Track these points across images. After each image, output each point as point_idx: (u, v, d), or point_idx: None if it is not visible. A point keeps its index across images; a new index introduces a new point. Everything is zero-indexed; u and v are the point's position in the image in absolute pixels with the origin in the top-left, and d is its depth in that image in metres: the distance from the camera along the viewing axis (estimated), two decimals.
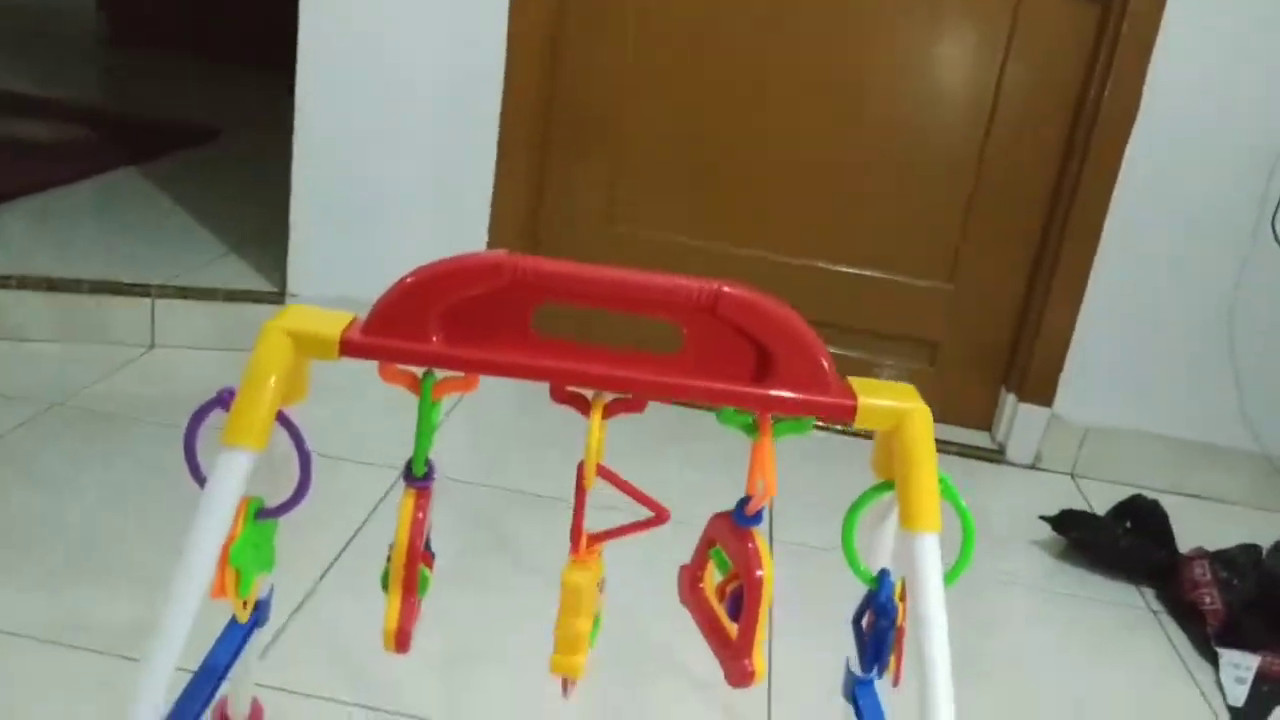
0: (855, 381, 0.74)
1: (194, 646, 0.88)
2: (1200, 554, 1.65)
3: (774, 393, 0.72)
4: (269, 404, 0.70)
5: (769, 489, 0.72)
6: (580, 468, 0.76)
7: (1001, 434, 2.12)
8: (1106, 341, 2.01)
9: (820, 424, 0.76)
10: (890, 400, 0.73)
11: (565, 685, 0.85)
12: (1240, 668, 1.46)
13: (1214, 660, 1.49)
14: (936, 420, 2.27)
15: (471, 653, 1.27)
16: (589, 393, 0.75)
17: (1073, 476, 2.09)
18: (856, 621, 0.84)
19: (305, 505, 1.57)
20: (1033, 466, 2.09)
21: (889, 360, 2.17)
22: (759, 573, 0.74)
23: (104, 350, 1.95)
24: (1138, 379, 2.02)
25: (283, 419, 0.73)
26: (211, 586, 0.74)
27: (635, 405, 0.75)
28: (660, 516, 0.75)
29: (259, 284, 2.09)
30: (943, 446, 2.10)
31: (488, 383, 0.75)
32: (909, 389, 0.75)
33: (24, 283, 1.93)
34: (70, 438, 1.63)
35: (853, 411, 0.72)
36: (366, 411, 1.81)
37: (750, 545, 0.75)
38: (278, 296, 2.05)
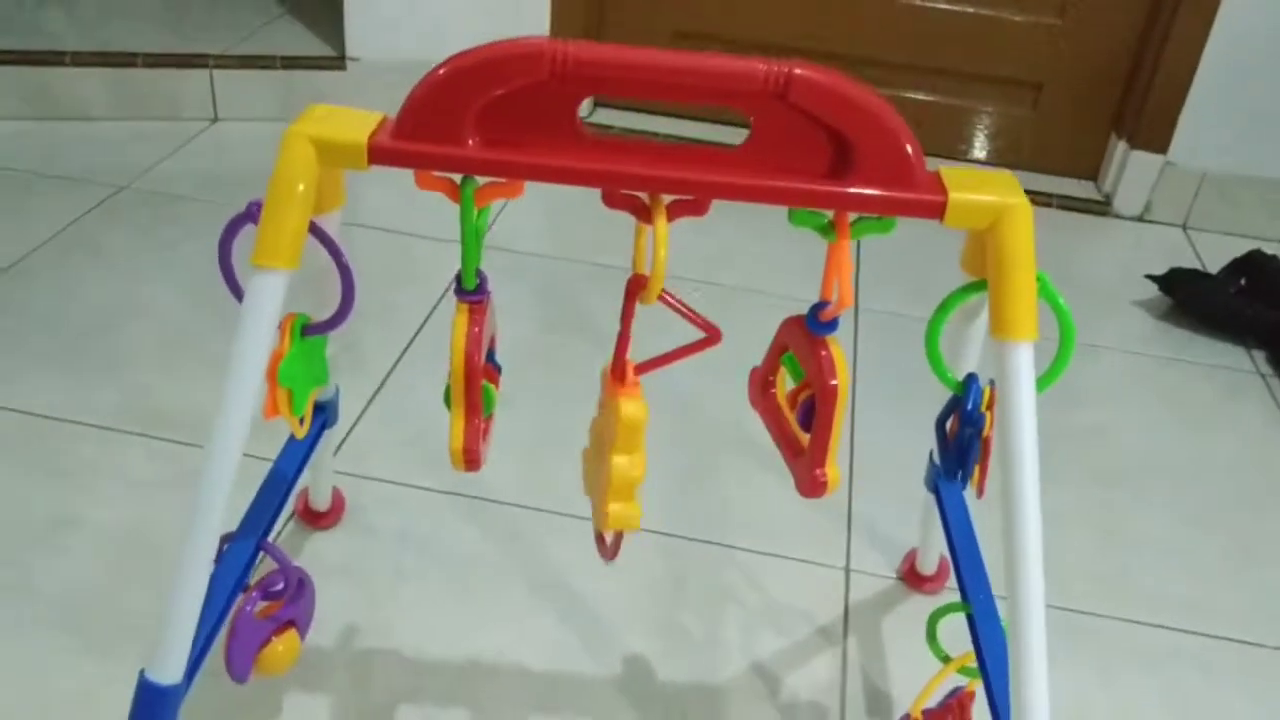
0: (946, 172, 0.66)
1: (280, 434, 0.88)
2: None
3: (853, 190, 0.64)
4: (297, 220, 0.64)
5: (844, 299, 0.65)
6: (630, 284, 0.70)
7: (1109, 184, 1.98)
8: (1233, 79, 1.82)
9: None
10: (986, 195, 0.64)
11: (608, 543, 0.77)
12: None
13: None
14: (1037, 170, 2.12)
15: (552, 436, 1.26)
16: (646, 195, 0.68)
17: (1185, 229, 1.96)
18: (940, 424, 0.78)
19: (381, 286, 1.54)
20: (1141, 218, 1.96)
21: (987, 106, 2.02)
22: (833, 382, 0.69)
23: (167, 127, 1.91)
24: (1265, 121, 1.85)
25: (316, 232, 0.68)
26: (264, 408, 0.71)
27: (697, 208, 0.67)
28: (712, 337, 0.69)
29: (317, 48, 2.00)
30: (1043, 199, 1.98)
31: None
32: (1009, 179, 0.66)
33: (78, 59, 1.87)
34: (139, 221, 1.62)
35: (942, 209, 0.64)
36: None
37: (824, 353, 0.69)
38: (337, 61, 1.96)
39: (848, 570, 1.13)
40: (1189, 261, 1.82)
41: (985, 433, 0.75)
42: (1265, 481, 1.34)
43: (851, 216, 0.66)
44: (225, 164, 1.82)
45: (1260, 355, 1.59)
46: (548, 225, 1.75)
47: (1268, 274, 1.64)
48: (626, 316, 0.70)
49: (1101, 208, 1.98)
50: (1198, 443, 1.40)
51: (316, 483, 1.09)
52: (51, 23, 2.00)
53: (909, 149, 0.64)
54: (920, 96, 2.02)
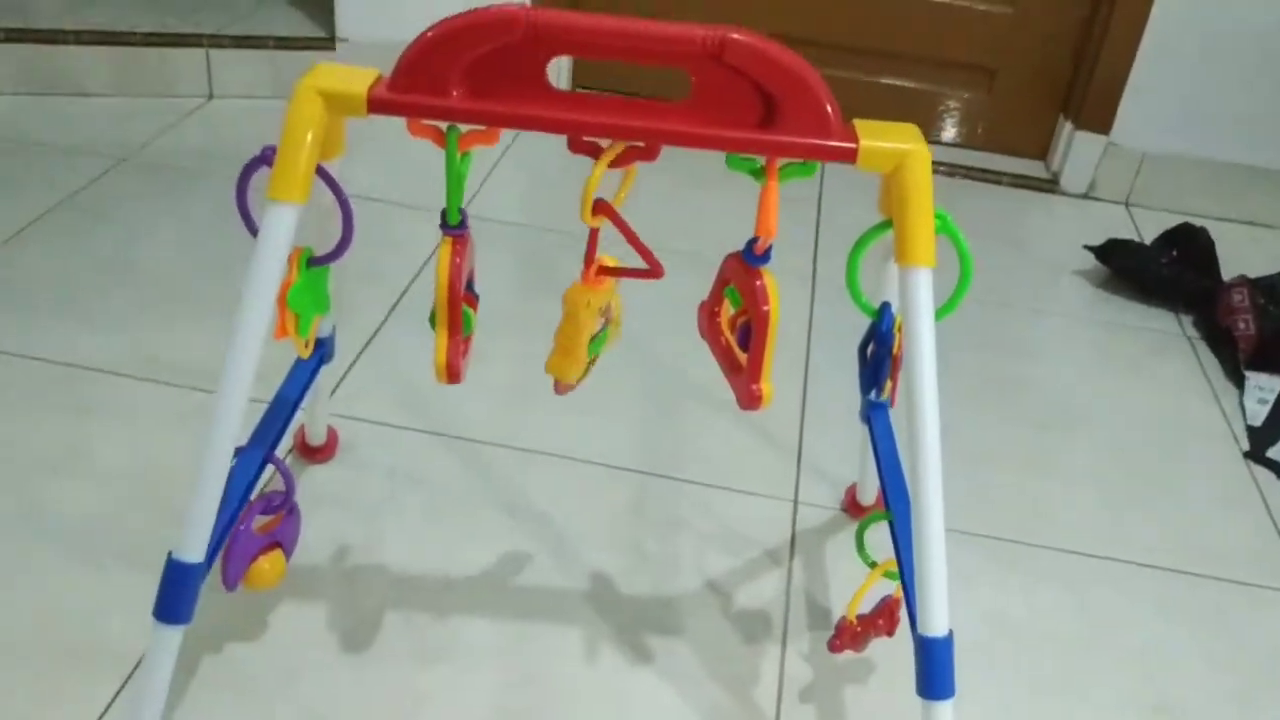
0: (860, 124, 0.77)
1: (274, 383, 0.98)
2: (1241, 281, 1.67)
3: (778, 138, 0.75)
4: (306, 160, 0.75)
5: (769, 231, 0.77)
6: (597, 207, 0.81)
7: (1056, 163, 2.10)
8: (1170, 65, 1.95)
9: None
10: (891, 142, 0.75)
11: (556, 385, 0.92)
12: (1265, 390, 1.51)
13: (1241, 384, 1.54)
14: (991, 150, 2.26)
15: (527, 385, 1.37)
16: (605, 142, 0.79)
17: (1127, 205, 2.08)
18: (862, 350, 0.90)
19: (369, 251, 1.65)
20: (1086, 196, 2.09)
21: (944, 89, 2.14)
22: (765, 308, 0.80)
23: (165, 103, 2.01)
24: (1200, 104, 1.97)
25: (322, 174, 0.79)
26: (274, 329, 0.82)
27: (647, 153, 0.78)
28: (654, 271, 0.81)
29: (309, 29, 2.10)
30: (995, 177, 2.10)
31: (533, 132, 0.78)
32: (911, 130, 0.77)
33: (80, 37, 1.96)
34: (142, 190, 1.72)
35: (854, 154, 0.75)
36: (423, 158, 1.86)
37: (758, 283, 0.80)
38: (328, 42, 2.06)
39: (795, 502, 1.25)
40: (1131, 235, 1.95)
41: (895, 351, 0.87)
42: (1182, 429, 1.46)
43: (779, 162, 0.77)
44: (220, 138, 1.92)
45: (1188, 319, 1.71)
46: (527, 197, 1.86)
47: (1196, 244, 1.76)
48: (591, 242, 0.82)
49: (1049, 185, 2.10)
50: (1124, 394, 1.52)
51: (313, 420, 1.20)
52: (52, 3, 2.09)
53: (828, 106, 0.75)
54: (882, 80, 2.14)
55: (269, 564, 0.95)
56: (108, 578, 1.04)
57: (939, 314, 0.78)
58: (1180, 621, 1.16)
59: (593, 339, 0.87)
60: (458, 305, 0.82)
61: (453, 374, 0.83)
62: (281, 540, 0.96)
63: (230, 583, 0.90)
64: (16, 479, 1.14)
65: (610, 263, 0.84)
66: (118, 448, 1.20)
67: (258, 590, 0.96)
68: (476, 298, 0.89)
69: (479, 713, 0.96)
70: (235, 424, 0.78)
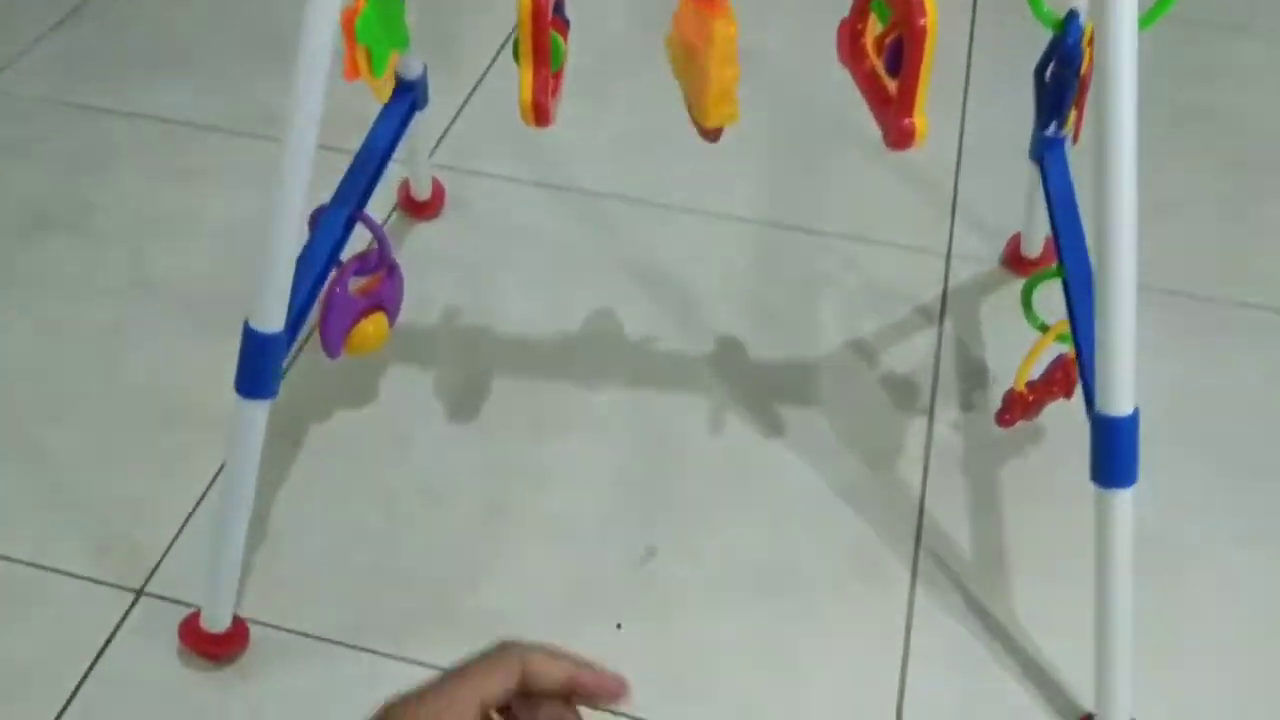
0: None
1: None
2: None
3: None
4: None
5: None
6: None
7: None
8: None
9: None
10: None
11: (709, 134, 0.76)
12: None
13: None
14: None
15: (649, 130, 1.24)
16: None
17: None
18: (1039, 72, 0.73)
19: None
20: None
21: None
22: (921, 21, 0.64)
23: None
24: None
25: None
26: (344, 69, 0.71)
27: None
28: None
29: None
30: None
31: None
32: None
33: None
34: None
35: None
36: None
37: None
38: None
39: (948, 256, 1.12)
40: None
41: (1083, 70, 0.70)
42: None
43: None
44: None
45: None
46: None
47: None
48: None
49: None
50: None
51: (416, 173, 1.11)
52: None
53: None
54: None
55: (372, 326, 0.87)
56: (216, 343, 1.00)
57: (1143, 23, 0.62)
58: None
59: None
60: (544, 31, 0.70)
61: (540, 114, 0.72)
62: (383, 301, 0.89)
63: (332, 349, 0.84)
64: (125, 241, 1.10)
65: None
66: (223, 207, 1.14)
67: (361, 355, 0.90)
68: (568, 23, 0.76)
69: (598, 486, 0.90)
70: (303, 176, 0.69)
